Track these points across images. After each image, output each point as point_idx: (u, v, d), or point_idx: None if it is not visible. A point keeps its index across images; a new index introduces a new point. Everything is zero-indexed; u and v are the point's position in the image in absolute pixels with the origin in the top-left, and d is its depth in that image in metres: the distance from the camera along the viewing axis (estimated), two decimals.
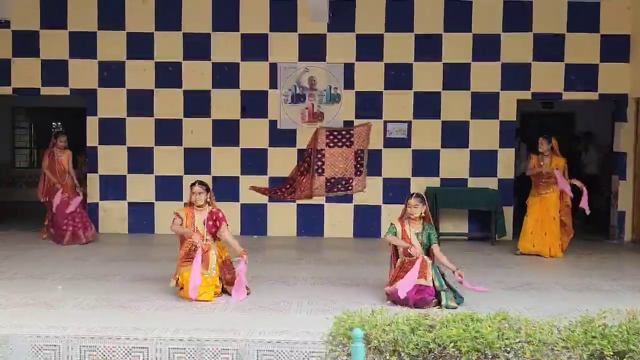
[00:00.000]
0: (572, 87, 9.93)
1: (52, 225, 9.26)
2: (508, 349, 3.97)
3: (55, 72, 10.10)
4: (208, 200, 6.36)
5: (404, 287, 5.77)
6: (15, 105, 14.74)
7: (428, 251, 6.14)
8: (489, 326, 4.07)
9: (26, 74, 10.13)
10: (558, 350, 3.96)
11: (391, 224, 6.27)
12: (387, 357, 4.06)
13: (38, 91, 10.25)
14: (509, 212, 9.90)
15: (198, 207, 6.32)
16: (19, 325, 5.02)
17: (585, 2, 9.82)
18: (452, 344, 3.97)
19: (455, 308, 5.66)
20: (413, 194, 6.29)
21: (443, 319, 4.19)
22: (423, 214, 6.14)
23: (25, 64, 10.12)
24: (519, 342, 3.98)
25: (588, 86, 9.93)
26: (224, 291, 6.22)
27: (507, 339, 3.99)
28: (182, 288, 6.08)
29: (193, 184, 6.39)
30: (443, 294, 5.85)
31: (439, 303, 5.82)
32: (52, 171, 9.20)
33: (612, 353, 3.92)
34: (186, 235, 6.27)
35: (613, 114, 10.40)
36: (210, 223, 6.29)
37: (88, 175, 10.28)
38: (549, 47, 9.87)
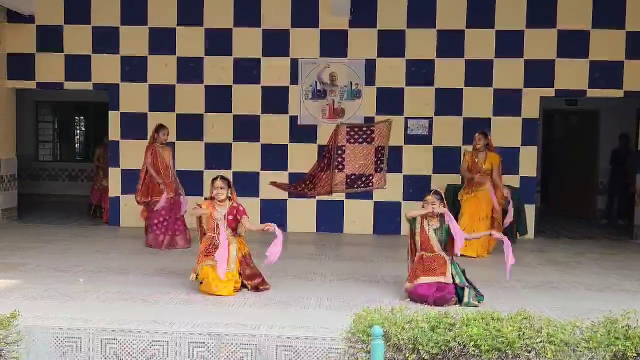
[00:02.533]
0: (596, 84, 9.81)
1: (150, 228, 8.55)
2: (529, 348, 3.91)
3: (78, 66, 10.21)
4: (229, 195, 6.36)
5: None
6: (39, 99, 14.91)
7: (446, 247, 6.11)
8: (510, 325, 4.02)
9: (50, 68, 10.27)
10: (580, 351, 3.91)
11: (413, 217, 6.23)
12: (407, 355, 4.03)
13: (61, 85, 10.38)
14: (530, 210, 9.82)
15: (219, 202, 6.32)
16: (41, 317, 5.08)
17: None
18: (472, 343, 3.92)
19: (476, 306, 5.63)
20: (431, 190, 6.26)
21: (463, 317, 4.15)
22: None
23: (49, 58, 10.25)
24: (540, 342, 3.93)
25: (613, 83, 9.79)
26: (244, 286, 6.24)
27: (528, 338, 3.94)
28: (202, 282, 6.10)
29: (214, 179, 6.37)
30: (466, 290, 5.81)
31: (459, 301, 5.79)
32: (156, 170, 8.51)
33: (635, 354, 3.86)
34: (203, 214, 6.29)
35: (638, 111, 10.24)
36: (231, 217, 6.28)
37: (110, 169, 10.37)
38: (573, 44, 9.76)
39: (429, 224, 6.09)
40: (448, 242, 6.10)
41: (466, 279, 5.94)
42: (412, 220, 6.17)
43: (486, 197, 8.34)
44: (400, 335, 4.02)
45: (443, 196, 6.20)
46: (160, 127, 8.67)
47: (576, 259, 8.36)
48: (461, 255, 8.05)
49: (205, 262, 6.10)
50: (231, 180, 6.55)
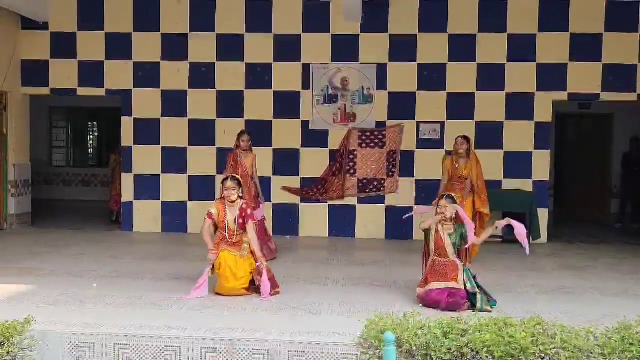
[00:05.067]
0: (610, 87, 9.74)
1: None
2: (543, 355, 3.90)
3: (91, 72, 10.28)
4: (240, 195, 6.41)
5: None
6: (53, 105, 15.02)
7: (459, 252, 6.09)
8: (523, 331, 4.01)
9: (63, 74, 10.35)
10: (594, 358, 3.89)
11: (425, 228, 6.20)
12: None
13: (75, 91, 10.45)
14: (543, 214, 9.76)
15: (230, 202, 6.35)
16: (55, 322, 5.11)
17: (624, 0, 9.62)
18: (485, 349, 3.92)
19: (489, 312, 5.59)
20: (444, 194, 6.24)
21: (476, 324, 4.15)
22: (454, 215, 6.08)
23: (62, 64, 10.33)
24: (554, 348, 3.91)
25: (626, 87, 9.72)
26: (252, 283, 6.29)
27: (541, 344, 3.93)
28: (219, 269, 6.21)
29: (225, 180, 6.44)
30: (478, 296, 5.78)
31: (472, 306, 5.76)
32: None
33: None
34: (208, 248, 6.34)
35: None
36: (241, 221, 6.34)
37: (122, 174, 10.42)
38: (585, 47, 9.70)
39: (443, 229, 6.08)
40: (462, 246, 6.08)
41: (477, 285, 5.91)
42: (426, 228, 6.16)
43: (467, 207, 7.90)
44: (413, 342, 4.02)
45: (456, 199, 6.19)
46: (240, 134, 8.34)
47: (591, 263, 8.29)
48: None
49: (223, 247, 6.26)
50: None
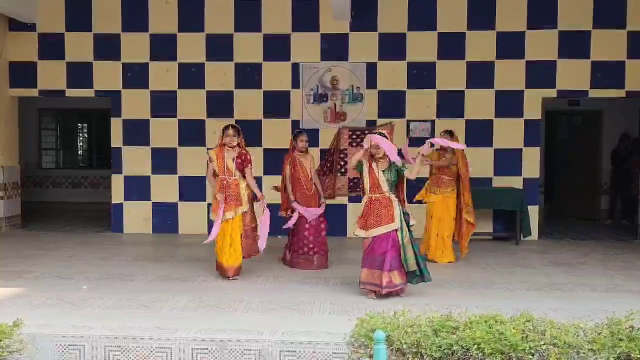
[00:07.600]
0: (598, 84, 9.79)
1: (289, 245, 7.79)
2: (532, 351, 3.91)
3: (80, 73, 10.23)
4: (239, 141, 6.92)
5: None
6: (42, 106, 14.94)
7: (397, 187, 6.28)
8: (513, 328, 4.02)
9: (52, 75, 10.30)
10: (584, 353, 3.90)
11: (359, 161, 6.34)
12: (410, 359, 4.03)
13: (63, 93, 10.40)
14: (534, 211, 9.79)
15: (230, 147, 6.88)
16: (45, 325, 5.08)
17: None
18: (475, 346, 3.93)
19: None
20: (374, 132, 6.33)
21: (466, 321, 4.16)
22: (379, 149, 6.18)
23: (50, 66, 10.28)
24: (544, 344, 3.92)
25: (615, 83, 9.77)
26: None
27: (531, 341, 3.94)
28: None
29: (226, 128, 6.91)
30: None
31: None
32: (294, 180, 7.70)
33: (639, 356, 3.85)
34: (213, 188, 7.05)
35: None
36: (239, 161, 6.89)
37: (112, 175, 10.38)
38: (574, 44, 9.74)
39: (377, 166, 6.22)
40: (398, 183, 6.28)
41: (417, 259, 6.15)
42: (358, 165, 6.31)
43: (453, 200, 8.10)
44: (403, 340, 4.03)
45: (387, 136, 6.36)
46: (298, 134, 7.80)
47: (581, 259, 8.33)
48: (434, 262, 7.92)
49: (223, 214, 6.80)
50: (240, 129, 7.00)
